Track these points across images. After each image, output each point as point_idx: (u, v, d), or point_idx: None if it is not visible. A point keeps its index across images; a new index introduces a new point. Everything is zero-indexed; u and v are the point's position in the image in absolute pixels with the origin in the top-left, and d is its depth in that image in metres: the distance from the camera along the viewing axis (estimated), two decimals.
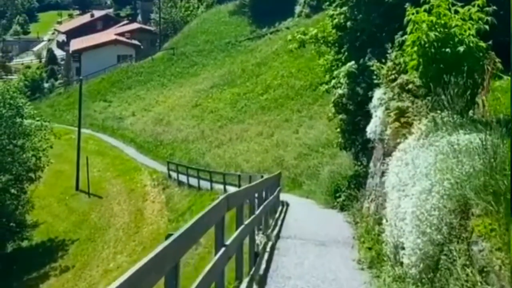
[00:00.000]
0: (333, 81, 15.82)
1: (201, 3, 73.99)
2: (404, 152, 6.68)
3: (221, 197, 5.36)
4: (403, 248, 5.67)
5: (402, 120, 9.07)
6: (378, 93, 11.02)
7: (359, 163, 15.91)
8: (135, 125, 48.17)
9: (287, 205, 17.09)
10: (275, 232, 10.79)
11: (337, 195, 16.14)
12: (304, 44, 17.39)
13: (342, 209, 15.35)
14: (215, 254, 5.41)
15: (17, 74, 73.10)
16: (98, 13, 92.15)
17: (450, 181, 4.97)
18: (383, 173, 10.87)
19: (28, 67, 75.52)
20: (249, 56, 53.48)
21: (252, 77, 47.49)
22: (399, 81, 10.49)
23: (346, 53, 15.64)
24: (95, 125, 51.01)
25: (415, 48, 7.92)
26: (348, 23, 15.21)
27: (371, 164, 13.01)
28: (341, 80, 15.05)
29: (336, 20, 15.51)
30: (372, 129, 10.68)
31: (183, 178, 31.62)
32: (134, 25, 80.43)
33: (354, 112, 15.39)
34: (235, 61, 53.84)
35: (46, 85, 66.33)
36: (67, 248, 30.79)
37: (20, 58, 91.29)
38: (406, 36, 8.43)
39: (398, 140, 8.57)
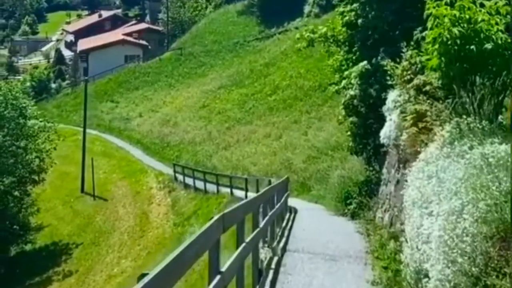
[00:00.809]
0: (344, 81, 14.99)
1: (209, 3, 73.36)
2: (425, 162, 5.88)
3: (215, 217, 4.60)
4: (427, 276, 4.90)
5: (420, 124, 8.28)
6: (392, 95, 10.26)
7: (371, 168, 15.08)
8: (142, 126, 47.62)
9: (295, 212, 16.31)
10: (281, 244, 10.03)
11: (348, 201, 15.33)
12: (313, 43, 16.57)
13: (353, 217, 14.54)
14: (209, 283, 4.66)
15: (25, 74, 72.82)
16: (106, 13, 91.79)
17: (486, 201, 4.21)
18: (398, 181, 10.11)
19: (36, 67, 75.16)
20: (258, 56, 52.77)
21: (260, 78, 46.78)
22: (415, 82, 9.72)
23: (357, 53, 14.84)
24: (102, 126, 50.57)
25: (436, 46, 7.11)
26: (359, 21, 14.41)
27: (384, 171, 12.24)
28: (352, 81, 14.23)
29: (347, 17, 14.72)
30: (386, 133, 9.91)
31: (189, 180, 31.03)
32: (142, 25, 79.94)
33: (366, 115, 14.59)
34: (243, 62, 53.14)
35: (53, 85, 65.95)
36: (71, 252, 30.24)
37: (28, 58, 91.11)
38: (426, 32, 7.62)
39: (416, 148, 7.79)
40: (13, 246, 31.33)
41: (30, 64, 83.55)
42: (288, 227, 12.71)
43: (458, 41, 7.00)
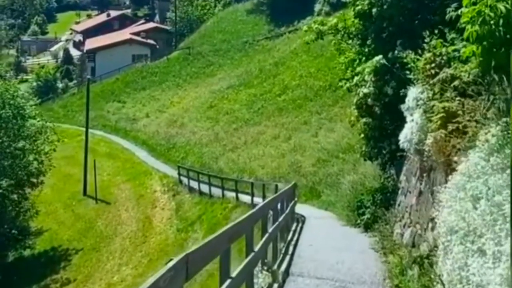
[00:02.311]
0: (356, 78, 13.49)
1: (218, 2, 72.13)
2: (467, 177, 4.45)
3: (174, 260, 3.19)
4: None
5: (450, 126, 6.81)
6: (413, 92, 8.79)
7: (386, 175, 13.59)
8: (148, 127, 46.46)
9: (303, 221, 14.87)
10: (283, 266, 8.61)
11: (361, 211, 13.84)
12: (322, 36, 15.11)
13: (366, 229, 13.05)
14: None
15: (32, 74, 72.04)
16: (114, 13, 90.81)
17: None
18: (420, 193, 8.66)
19: (42, 67, 74.27)
20: (267, 55, 51.41)
21: (269, 77, 45.39)
22: (441, 76, 8.24)
23: (371, 46, 13.33)
24: (107, 127, 49.57)
25: (476, 27, 5.64)
26: (373, 10, 12.91)
27: (403, 178, 10.78)
28: (366, 77, 12.74)
29: (359, 7, 13.21)
30: (406, 136, 8.43)
31: (194, 184, 29.80)
32: (150, 25, 78.83)
33: (381, 116, 13.09)
34: (252, 61, 51.79)
35: (59, 85, 65.08)
36: (70, 258, 29.11)
37: (37, 58, 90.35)
38: (462, 10, 6.14)
39: (447, 154, 6.34)
40: (11, 251, 30.21)
41: (38, 64, 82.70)
42: (294, 241, 11.29)
43: (503, 21, 5.54)
